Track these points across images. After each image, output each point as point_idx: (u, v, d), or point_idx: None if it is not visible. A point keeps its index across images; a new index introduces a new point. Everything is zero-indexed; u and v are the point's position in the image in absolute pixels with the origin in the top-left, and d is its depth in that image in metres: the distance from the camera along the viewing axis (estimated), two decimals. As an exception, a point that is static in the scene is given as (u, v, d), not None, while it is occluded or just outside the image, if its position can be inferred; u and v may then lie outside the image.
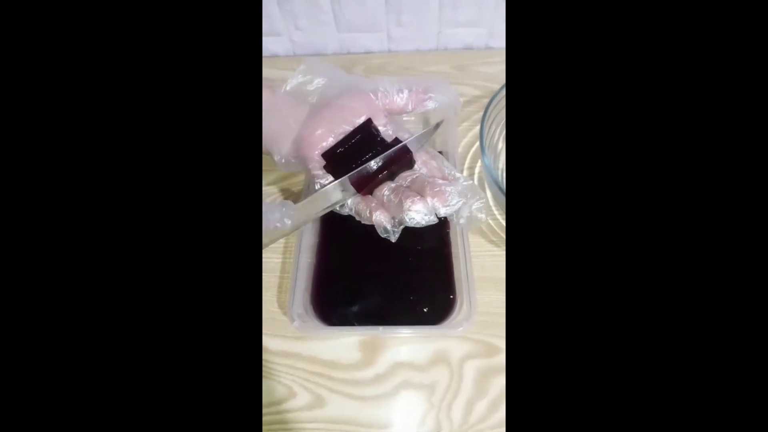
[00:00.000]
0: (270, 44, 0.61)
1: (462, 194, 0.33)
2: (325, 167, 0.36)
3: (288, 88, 0.37)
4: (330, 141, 0.36)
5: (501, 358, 0.38)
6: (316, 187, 0.36)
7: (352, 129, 0.36)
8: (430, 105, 0.37)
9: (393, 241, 0.34)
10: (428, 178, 0.35)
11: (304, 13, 0.57)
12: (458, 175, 0.35)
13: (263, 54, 0.62)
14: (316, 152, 0.36)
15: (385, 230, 0.34)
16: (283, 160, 0.37)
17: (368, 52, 0.61)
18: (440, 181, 0.34)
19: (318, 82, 0.38)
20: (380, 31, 0.59)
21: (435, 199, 0.32)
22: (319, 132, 0.36)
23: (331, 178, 0.36)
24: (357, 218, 0.36)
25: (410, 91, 0.37)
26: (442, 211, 0.33)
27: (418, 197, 0.32)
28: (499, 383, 0.37)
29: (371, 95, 0.37)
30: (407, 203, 0.32)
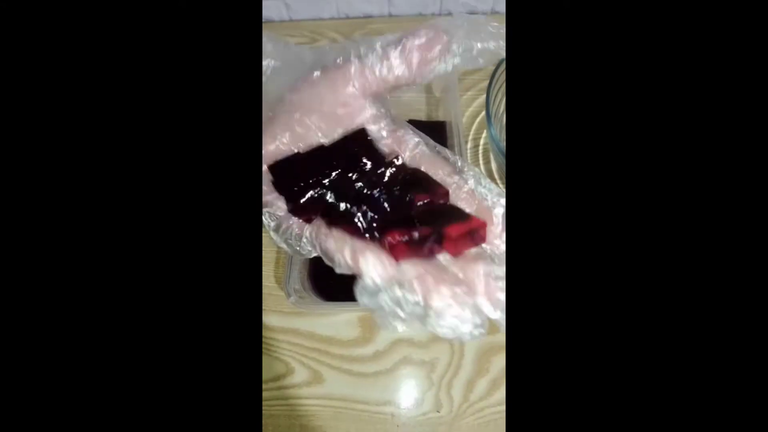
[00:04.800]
0: (263, 9, 0.58)
1: None
2: (274, 184, 0.24)
3: None
4: (287, 151, 0.24)
5: (502, 336, 0.37)
6: (265, 222, 0.24)
7: (320, 139, 0.24)
8: (442, 67, 0.23)
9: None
10: (479, 259, 0.22)
11: (299, -27, 0.54)
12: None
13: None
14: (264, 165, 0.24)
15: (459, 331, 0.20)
16: None
17: (367, 17, 0.58)
18: (497, 272, 0.21)
19: (266, 64, 0.26)
20: (380, -6, 0.56)
21: (485, 298, 0.20)
22: (272, 147, 0.24)
23: (283, 205, 0.24)
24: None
25: (402, 49, 0.23)
26: (496, 314, 0.21)
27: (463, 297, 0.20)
28: (500, 361, 0.36)
29: (341, 74, 0.24)
30: (441, 303, 0.20)
